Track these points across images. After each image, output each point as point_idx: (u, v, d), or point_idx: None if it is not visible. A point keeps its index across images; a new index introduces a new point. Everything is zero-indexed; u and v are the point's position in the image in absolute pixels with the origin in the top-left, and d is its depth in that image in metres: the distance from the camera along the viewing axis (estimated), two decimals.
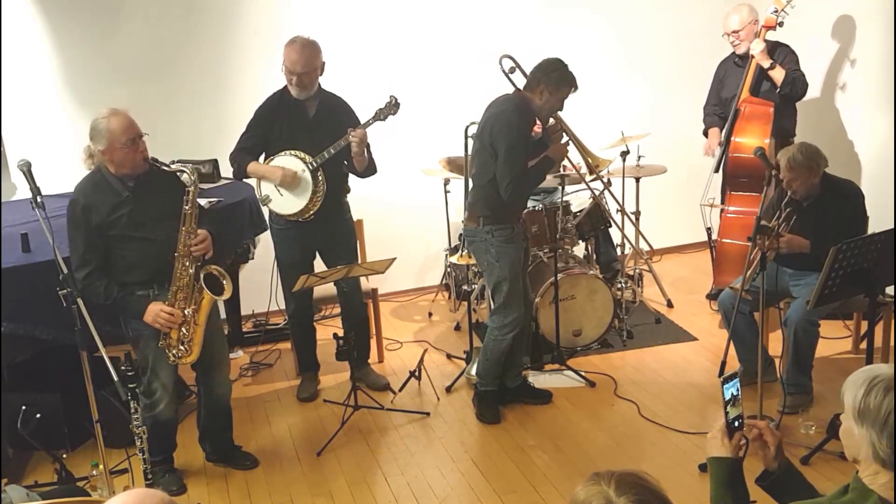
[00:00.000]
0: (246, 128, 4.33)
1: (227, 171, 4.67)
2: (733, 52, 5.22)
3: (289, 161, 4.22)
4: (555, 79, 3.91)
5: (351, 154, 4.22)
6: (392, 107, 4.24)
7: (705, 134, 5.47)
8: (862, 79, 5.39)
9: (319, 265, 4.51)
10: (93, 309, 3.21)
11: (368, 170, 4.37)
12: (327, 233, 4.39)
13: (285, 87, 4.27)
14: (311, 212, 4.26)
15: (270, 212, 4.42)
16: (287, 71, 4.17)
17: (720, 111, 5.33)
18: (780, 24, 5.00)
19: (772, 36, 5.05)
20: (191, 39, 5.31)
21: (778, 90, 5.00)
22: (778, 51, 5.06)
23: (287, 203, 4.26)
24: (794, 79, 4.96)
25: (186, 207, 3.46)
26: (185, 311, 3.52)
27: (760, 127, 4.99)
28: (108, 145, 3.42)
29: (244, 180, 4.52)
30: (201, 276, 3.50)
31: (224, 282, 3.55)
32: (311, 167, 4.19)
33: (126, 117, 3.45)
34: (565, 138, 4.18)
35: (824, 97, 5.66)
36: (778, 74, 4.96)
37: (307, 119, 4.26)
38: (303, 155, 4.21)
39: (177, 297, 3.52)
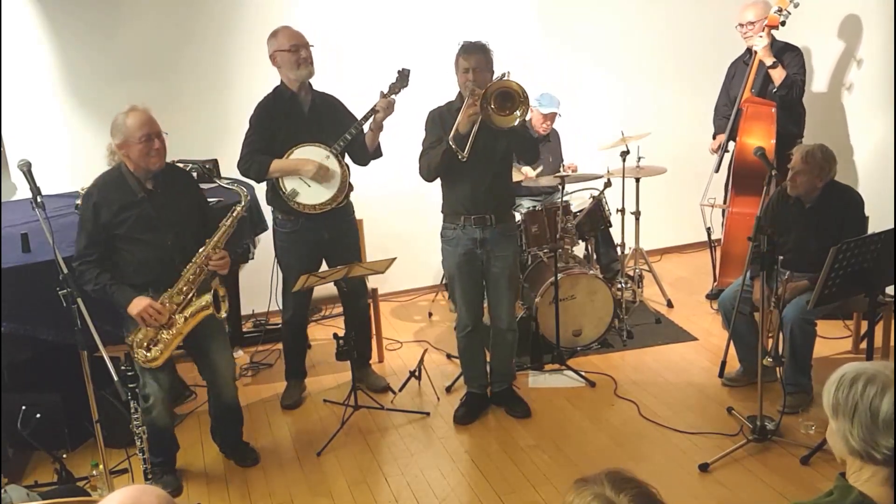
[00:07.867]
0: (249, 131, 4.23)
1: (229, 172, 4.67)
2: (745, 51, 5.22)
3: (311, 151, 4.18)
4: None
5: (365, 136, 4.20)
6: (403, 79, 4.18)
7: (714, 138, 5.44)
8: (865, 78, 5.39)
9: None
10: (93, 309, 3.20)
11: (377, 152, 4.34)
12: (334, 233, 4.33)
13: (275, 88, 4.25)
14: (341, 198, 4.23)
15: (275, 216, 4.36)
16: (290, 51, 4.11)
17: (730, 112, 5.28)
18: (783, 24, 5.00)
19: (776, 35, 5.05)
20: (191, 39, 5.31)
21: (775, 90, 5.00)
22: (787, 52, 5.05)
23: (317, 193, 4.20)
24: (792, 82, 4.96)
25: (227, 222, 3.57)
26: (175, 316, 3.53)
27: (765, 127, 4.98)
28: (124, 140, 3.49)
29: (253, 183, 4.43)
30: (211, 292, 3.53)
31: (223, 303, 3.58)
32: (334, 152, 4.17)
33: (144, 114, 3.51)
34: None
35: (828, 96, 5.65)
36: (778, 74, 4.96)
37: (303, 115, 4.24)
38: (321, 144, 4.19)
39: (173, 299, 3.53)
